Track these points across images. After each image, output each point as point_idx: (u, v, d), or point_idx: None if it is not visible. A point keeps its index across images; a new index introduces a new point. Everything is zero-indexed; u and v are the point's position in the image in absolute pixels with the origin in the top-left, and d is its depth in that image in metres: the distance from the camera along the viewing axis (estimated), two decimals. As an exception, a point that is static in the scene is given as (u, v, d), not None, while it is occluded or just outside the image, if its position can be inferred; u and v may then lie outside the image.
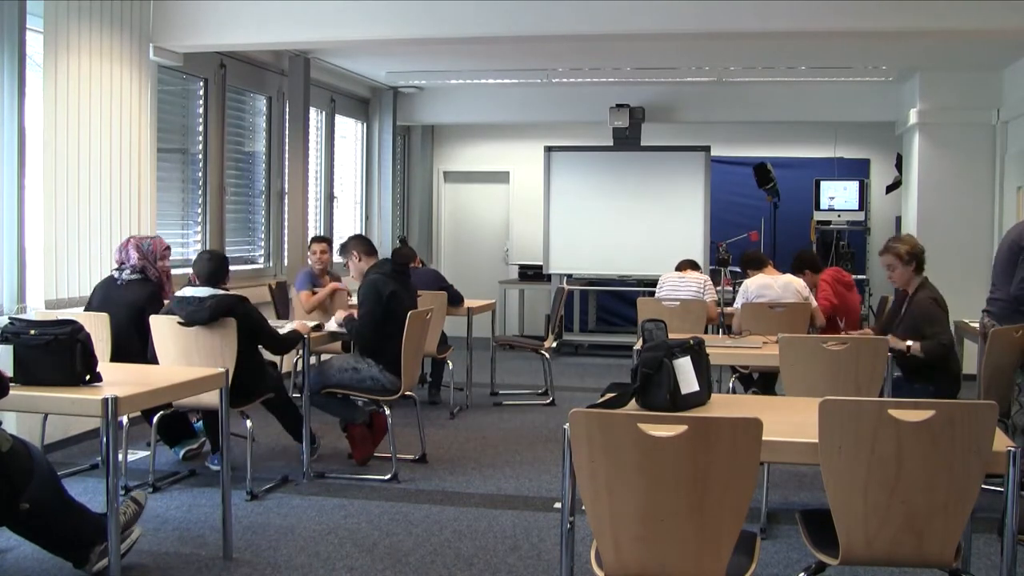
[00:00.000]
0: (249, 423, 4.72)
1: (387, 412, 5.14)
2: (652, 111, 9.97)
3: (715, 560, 2.40)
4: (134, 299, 4.91)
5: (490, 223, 11.71)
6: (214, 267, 4.75)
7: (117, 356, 4.62)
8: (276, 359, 7.22)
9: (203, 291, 4.62)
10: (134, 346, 4.72)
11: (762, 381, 5.88)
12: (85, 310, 5.02)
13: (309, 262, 7.08)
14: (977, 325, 5.48)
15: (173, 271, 6.72)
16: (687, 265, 7.27)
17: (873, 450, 2.46)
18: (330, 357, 6.05)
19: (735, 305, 6.27)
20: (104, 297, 5.00)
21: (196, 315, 4.51)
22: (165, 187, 6.84)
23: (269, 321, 4.99)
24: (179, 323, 4.52)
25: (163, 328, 4.62)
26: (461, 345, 7.19)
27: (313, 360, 6.39)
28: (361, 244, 5.58)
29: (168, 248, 5.22)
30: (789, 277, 6.17)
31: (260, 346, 4.82)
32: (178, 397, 4.02)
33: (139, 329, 4.77)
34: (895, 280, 4.91)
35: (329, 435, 5.97)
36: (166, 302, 4.80)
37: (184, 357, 4.55)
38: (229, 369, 4.01)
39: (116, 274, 5.06)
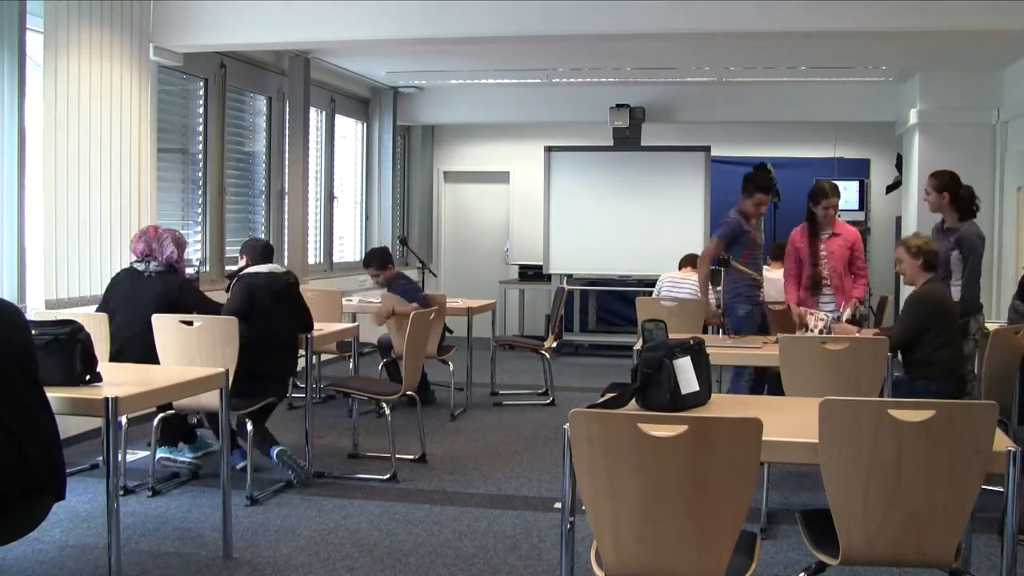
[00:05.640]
0: (249, 425, 4.72)
1: (387, 412, 5.14)
2: (652, 111, 9.97)
3: (715, 560, 2.40)
4: (160, 291, 4.81)
5: (490, 223, 11.71)
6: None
7: (142, 352, 4.58)
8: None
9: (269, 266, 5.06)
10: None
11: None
12: (103, 302, 4.98)
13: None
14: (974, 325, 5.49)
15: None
16: (688, 262, 7.19)
17: (873, 450, 2.46)
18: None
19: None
20: (131, 288, 4.85)
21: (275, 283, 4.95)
22: (165, 187, 6.84)
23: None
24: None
25: (165, 327, 4.62)
26: (461, 345, 7.19)
27: (315, 361, 6.39)
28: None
29: None
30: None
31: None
32: (178, 397, 4.02)
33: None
34: (903, 274, 4.89)
35: (329, 435, 5.97)
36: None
37: (185, 356, 4.56)
38: (230, 369, 4.01)
39: (140, 266, 4.89)
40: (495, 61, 8.89)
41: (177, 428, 5.20)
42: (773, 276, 6.24)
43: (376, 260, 6.67)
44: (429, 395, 7.17)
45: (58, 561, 3.81)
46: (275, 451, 4.81)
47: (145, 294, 4.82)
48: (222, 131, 7.49)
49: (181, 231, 5.27)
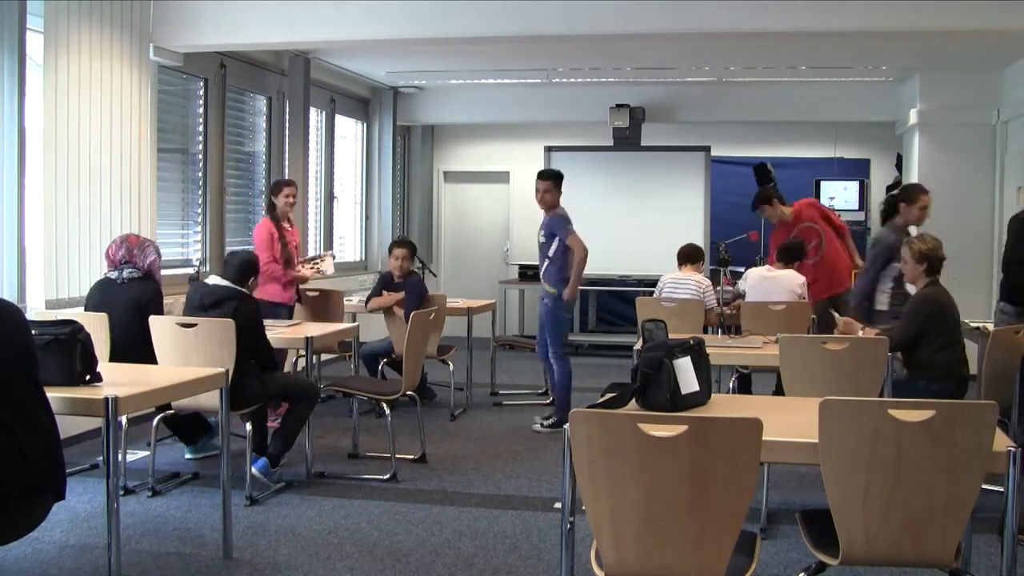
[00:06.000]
0: (249, 426, 4.72)
1: (387, 412, 5.14)
2: (652, 111, 9.97)
3: (715, 560, 2.40)
4: (137, 296, 4.85)
5: (490, 223, 11.70)
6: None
7: (119, 357, 4.56)
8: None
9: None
10: (138, 346, 4.69)
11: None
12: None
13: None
14: (977, 325, 5.49)
15: (175, 271, 6.76)
16: (686, 260, 6.98)
17: (873, 450, 2.46)
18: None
19: (739, 285, 6.47)
20: (103, 298, 4.90)
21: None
22: (165, 187, 6.84)
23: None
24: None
25: (162, 329, 4.62)
26: (462, 345, 7.19)
27: (315, 361, 6.39)
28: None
29: None
30: (790, 273, 6.17)
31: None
32: (178, 397, 4.02)
33: (143, 328, 4.75)
34: (905, 274, 4.92)
35: (329, 435, 5.97)
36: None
37: (183, 358, 4.55)
38: (229, 369, 4.01)
39: (114, 274, 4.93)
40: (495, 61, 8.88)
41: (196, 426, 5.20)
42: (775, 275, 6.22)
43: (409, 246, 6.85)
44: (427, 393, 7.14)
45: (58, 561, 3.81)
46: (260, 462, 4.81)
47: (118, 300, 4.82)
48: (222, 131, 7.49)
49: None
